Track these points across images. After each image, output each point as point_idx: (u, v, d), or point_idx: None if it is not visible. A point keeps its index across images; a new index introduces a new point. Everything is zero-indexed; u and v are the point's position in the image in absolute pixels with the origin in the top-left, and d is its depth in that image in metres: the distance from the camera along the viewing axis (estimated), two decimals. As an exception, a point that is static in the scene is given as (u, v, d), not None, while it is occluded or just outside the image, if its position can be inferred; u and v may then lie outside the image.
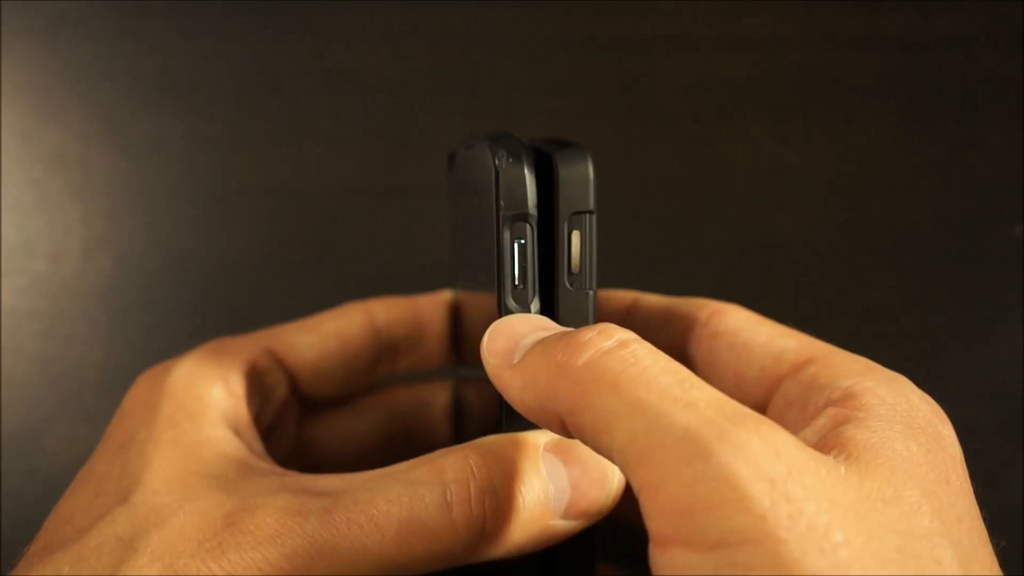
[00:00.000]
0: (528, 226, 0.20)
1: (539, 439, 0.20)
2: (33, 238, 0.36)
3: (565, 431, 0.18)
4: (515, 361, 0.19)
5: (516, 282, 0.20)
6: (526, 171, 0.20)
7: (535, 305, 0.20)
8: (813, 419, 0.18)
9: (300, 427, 0.28)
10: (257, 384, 0.25)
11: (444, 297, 0.28)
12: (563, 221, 0.20)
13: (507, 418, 0.21)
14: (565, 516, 0.19)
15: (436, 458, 0.19)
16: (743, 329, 0.22)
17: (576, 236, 0.20)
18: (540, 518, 0.19)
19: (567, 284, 0.21)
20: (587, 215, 0.20)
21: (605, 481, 0.19)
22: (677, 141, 0.37)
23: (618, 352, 0.17)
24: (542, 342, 0.18)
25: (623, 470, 0.16)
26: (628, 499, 0.26)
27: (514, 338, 0.19)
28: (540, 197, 0.20)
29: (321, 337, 0.26)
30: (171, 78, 0.37)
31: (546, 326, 0.19)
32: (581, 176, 0.20)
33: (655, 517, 0.15)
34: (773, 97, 0.38)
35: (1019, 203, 0.36)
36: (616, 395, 0.16)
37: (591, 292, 0.21)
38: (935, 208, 0.37)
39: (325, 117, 0.37)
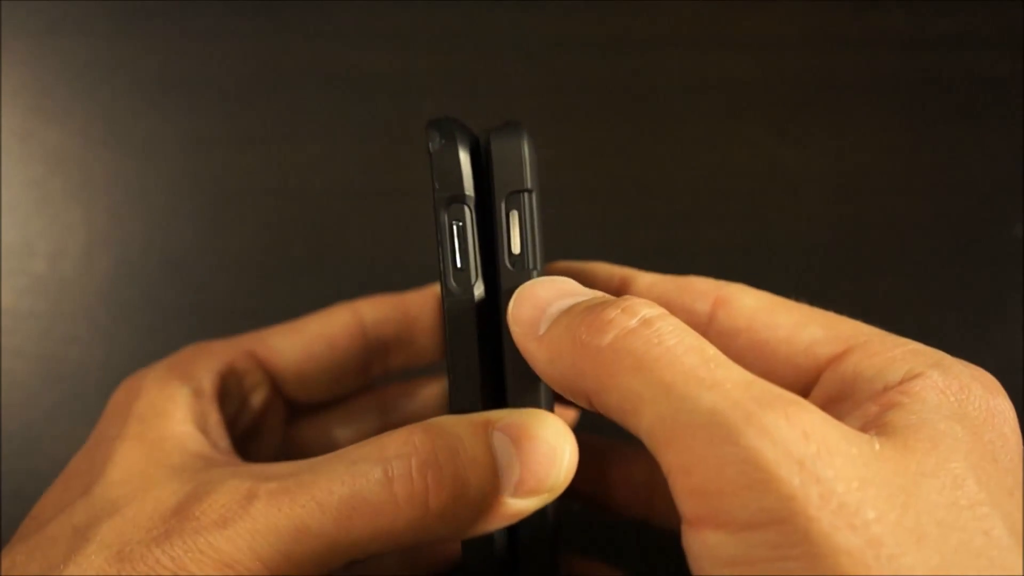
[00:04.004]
0: (466, 207, 0.20)
1: (489, 418, 0.20)
2: (33, 238, 0.36)
3: (594, 407, 0.18)
4: (540, 332, 0.19)
5: (458, 264, 0.20)
6: (460, 152, 0.20)
7: (478, 287, 0.20)
8: (858, 410, 0.18)
9: (290, 429, 0.28)
10: (234, 386, 0.25)
11: (433, 292, 0.28)
12: (500, 201, 0.20)
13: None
14: (515, 494, 0.19)
15: (381, 437, 0.19)
16: (758, 323, 0.20)
17: (515, 216, 0.20)
18: (488, 495, 0.19)
19: (508, 265, 0.20)
20: (525, 194, 0.20)
21: (556, 458, 0.19)
22: (677, 141, 0.37)
23: (642, 332, 0.17)
24: (567, 314, 0.18)
25: (652, 451, 0.16)
26: (626, 495, 0.27)
27: (539, 306, 0.19)
28: (481, 178, 0.20)
29: (305, 339, 0.26)
30: (171, 78, 0.37)
31: (570, 291, 0.19)
32: (514, 154, 0.20)
33: (685, 499, 0.16)
34: (773, 97, 0.38)
35: (1019, 203, 0.36)
36: (640, 377, 0.16)
37: (535, 273, 0.20)
38: (935, 208, 0.37)
39: (325, 117, 0.37)
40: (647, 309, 0.17)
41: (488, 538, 0.20)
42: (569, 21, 0.38)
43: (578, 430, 0.20)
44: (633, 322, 0.17)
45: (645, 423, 0.16)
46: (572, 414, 0.29)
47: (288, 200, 0.36)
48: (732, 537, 0.15)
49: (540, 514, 0.20)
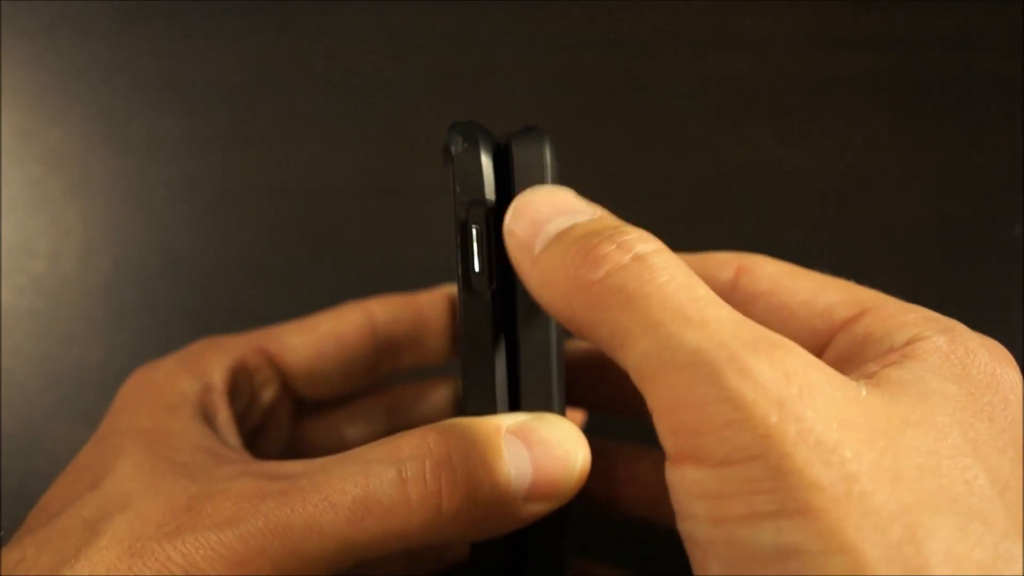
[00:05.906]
0: (486, 212, 0.20)
1: (502, 421, 0.19)
2: (33, 238, 0.36)
3: (584, 336, 0.18)
4: (536, 252, 0.18)
5: (475, 268, 0.20)
6: (482, 157, 0.20)
7: (495, 291, 0.20)
8: (859, 369, 0.18)
9: (297, 427, 0.28)
10: (244, 381, 0.25)
11: (445, 292, 0.28)
12: None
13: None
14: (527, 498, 0.19)
15: (395, 438, 0.19)
16: (780, 287, 0.21)
17: None
18: (499, 498, 0.19)
19: None
20: None
21: (568, 463, 0.19)
22: (677, 141, 0.37)
23: (634, 267, 0.17)
24: (563, 239, 0.18)
25: (638, 386, 0.16)
26: (633, 496, 0.27)
27: (537, 221, 0.19)
28: (501, 182, 0.20)
29: (317, 338, 0.26)
30: (171, 78, 0.37)
31: (569, 208, 0.19)
32: (536, 160, 0.20)
33: (668, 436, 0.16)
34: (773, 97, 0.38)
35: (1019, 203, 0.36)
36: (629, 313, 0.16)
37: None
38: (935, 208, 0.37)
39: (325, 117, 0.37)
40: (642, 244, 0.17)
41: (497, 539, 0.20)
42: (569, 21, 0.38)
43: (585, 433, 0.20)
44: (627, 258, 0.17)
45: (632, 358, 0.16)
46: (580, 416, 0.29)
47: (288, 200, 0.36)
48: (709, 473, 0.15)
49: (549, 515, 0.20)
